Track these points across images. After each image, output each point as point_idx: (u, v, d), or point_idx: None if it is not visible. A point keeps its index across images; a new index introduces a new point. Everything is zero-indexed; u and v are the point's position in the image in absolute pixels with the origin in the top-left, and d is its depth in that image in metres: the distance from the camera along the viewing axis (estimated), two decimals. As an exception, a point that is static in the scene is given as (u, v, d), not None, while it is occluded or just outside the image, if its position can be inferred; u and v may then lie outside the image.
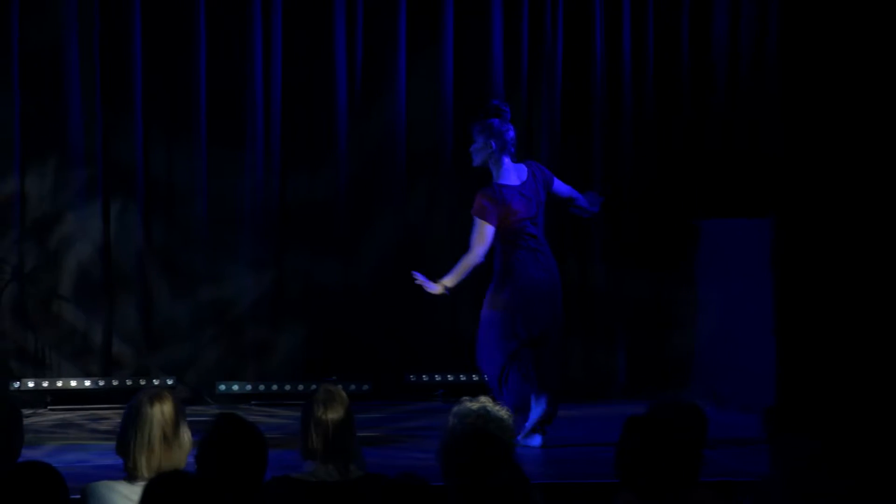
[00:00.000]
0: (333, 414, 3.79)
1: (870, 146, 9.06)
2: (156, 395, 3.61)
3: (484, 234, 6.56)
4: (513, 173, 6.70)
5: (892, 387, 4.84)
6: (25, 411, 7.38)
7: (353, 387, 8.28)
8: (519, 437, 6.31)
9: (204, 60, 8.42)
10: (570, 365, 8.82)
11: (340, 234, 8.59)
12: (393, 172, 8.65)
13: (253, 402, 8.34)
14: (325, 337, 8.55)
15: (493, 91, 8.67)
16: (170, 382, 8.25)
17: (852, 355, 7.67)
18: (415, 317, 8.39)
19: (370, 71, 8.67)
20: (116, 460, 3.67)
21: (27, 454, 3.66)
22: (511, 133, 6.71)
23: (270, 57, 8.53)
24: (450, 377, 8.50)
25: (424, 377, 8.50)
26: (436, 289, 6.55)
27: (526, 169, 6.75)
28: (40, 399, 8.18)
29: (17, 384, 8.13)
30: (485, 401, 3.70)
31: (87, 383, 8.24)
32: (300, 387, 8.33)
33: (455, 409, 3.71)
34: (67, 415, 7.95)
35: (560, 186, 6.85)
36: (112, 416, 7.44)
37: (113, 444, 3.69)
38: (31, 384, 8.17)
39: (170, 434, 3.56)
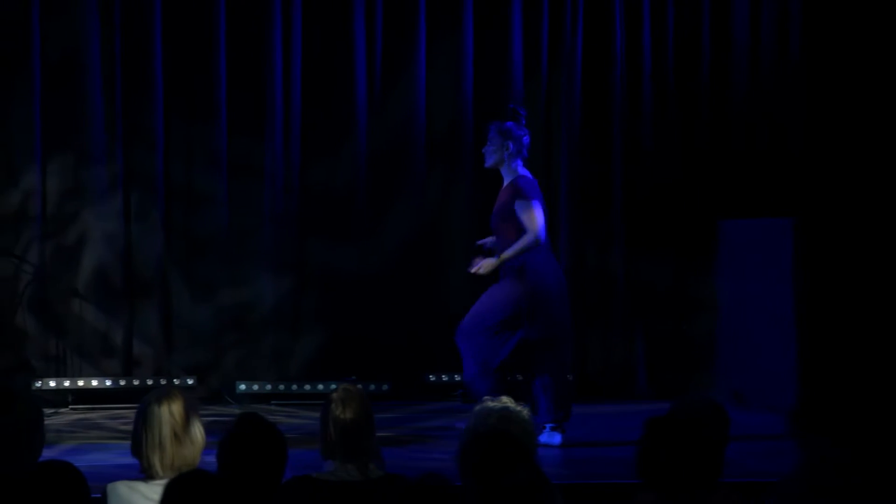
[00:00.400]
0: (353, 414, 3.79)
1: (893, 146, 9.03)
2: (164, 395, 3.63)
3: (535, 216, 6.55)
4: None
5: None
6: (47, 410, 7.42)
7: (372, 387, 8.28)
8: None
9: (224, 52, 8.42)
10: (589, 362, 8.82)
11: (359, 226, 8.57)
12: (412, 163, 8.63)
13: (273, 402, 8.34)
14: (344, 337, 8.55)
15: (512, 81, 8.67)
16: (190, 382, 8.27)
17: (876, 355, 7.64)
18: (434, 317, 8.38)
19: (390, 61, 8.66)
20: (136, 460, 3.68)
21: (48, 453, 3.67)
22: (527, 138, 6.73)
23: (290, 50, 8.53)
24: (469, 377, 8.48)
25: (444, 377, 8.49)
26: (493, 262, 6.54)
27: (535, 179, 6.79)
28: (61, 398, 8.21)
29: (38, 383, 8.16)
30: (506, 401, 3.69)
31: (108, 383, 8.26)
32: (320, 387, 8.33)
33: (476, 408, 3.71)
34: (88, 414, 7.98)
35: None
36: (133, 416, 7.45)
37: (133, 443, 3.70)
38: (52, 384, 8.20)
39: (180, 432, 3.58)
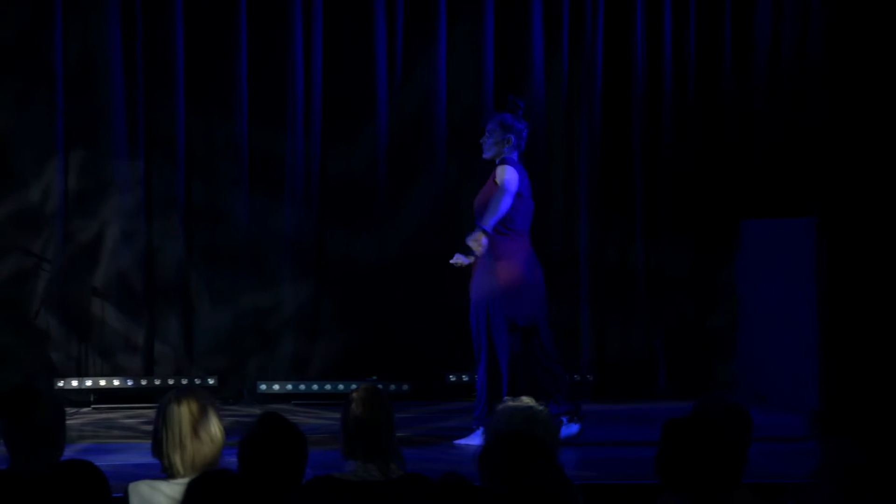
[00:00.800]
0: (373, 413, 3.79)
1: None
2: (182, 394, 3.64)
3: (512, 178, 6.56)
4: (520, 169, 6.74)
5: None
6: (68, 410, 7.43)
7: (392, 387, 8.29)
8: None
9: (245, 44, 8.44)
10: (608, 357, 8.82)
11: (379, 214, 8.58)
12: (431, 150, 8.63)
13: (293, 402, 8.35)
14: (364, 337, 8.56)
15: (532, 70, 8.66)
16: (211, 382, 8.29)
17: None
18: (454, 317, 8.36)
19: (410, 50, 8.66)
20: (157, 460, 3.69)
21: (70, 453, 3.68)
22: (526, 131, 6.76)
23: (311, 40, 8.54)
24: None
25: (464, 377, 8.48)
26: (477, 246, 6.54)
27: (525, 172, 6.79)
28: (83, 398, 8.24)
29: (60, 383, 8.19)
30: (528, 401, 3.69)
31: (130, 383, 8.29)
32: (340, 387, 8.34)
33: (498, 408, 3.70)
34: (110, 414, 8.00)
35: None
36: (153, 416, 7.46)
37: (155, 443, 3.71)
38: (74, 383, 8.23)
39: (200, 430, 3.59)
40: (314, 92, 8.57)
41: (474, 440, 6.56)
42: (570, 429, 6.61)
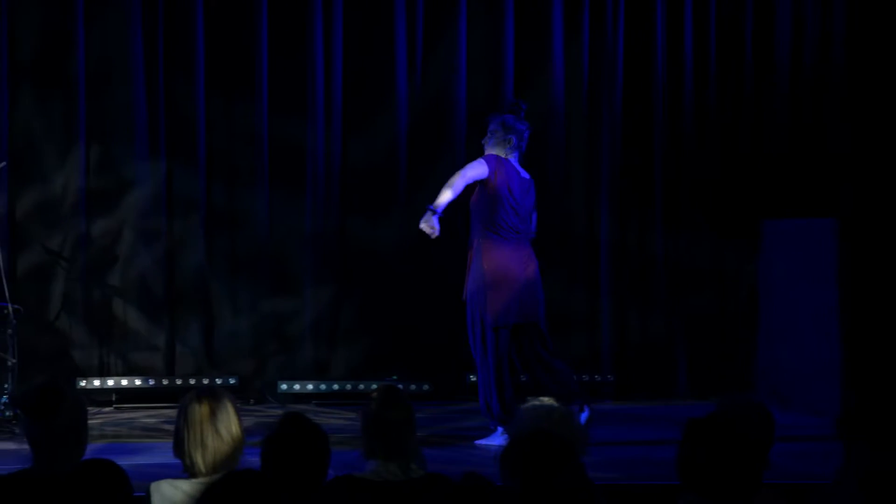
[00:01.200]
0: (394, 413, 3.79)
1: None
2: (203, 394, 3.65)
3: (476, 167, 6.58)
4: (518, 169, 6.75)
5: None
6: (91, 409, 7.47)
7: (413, 387, 8.30)
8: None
9: (266, 33, 8.47)
10: (629, 366, 8.81)
11: (399, 202, 8.57)
12: (451, 137, 8.63)
13: (314, 402, 8.37)
14: (385, 337, 8.56)
15: (552, 58, 8.65)
16: (232, 382, 8.31)
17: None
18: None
19: (430, 39, 8.67)
20: (178, 460, 3.70)
21: (92, 452, 3.70)
22: (527, 132, 6.76)
23: (332, 30, 8.56)
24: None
25: (485, 377, 8.48)
26: (428, 228, 6.59)
27: (527, 175, 6.77)
28: (105, 398, 8.27)
29: (82, 382, 8.22)
30: (551, 401, 3.69)
31: (151, 382, 8.31)
32: (361, 386, 8.35)
33: (522, 408, 3.70)
34: (132, 413, 8.03)
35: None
36: (175, 416, 7.48)
37: (177, 442, 3.73)
38: (96, 382, 8.26)
39: (221, 430, 3.59)
40: (335, 84, 8.58)
41: (495, 440, 6.57)
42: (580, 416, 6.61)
